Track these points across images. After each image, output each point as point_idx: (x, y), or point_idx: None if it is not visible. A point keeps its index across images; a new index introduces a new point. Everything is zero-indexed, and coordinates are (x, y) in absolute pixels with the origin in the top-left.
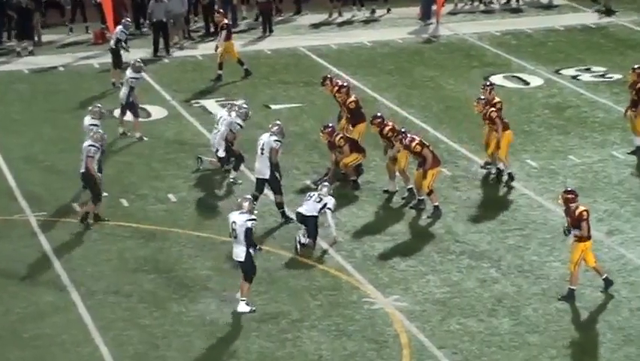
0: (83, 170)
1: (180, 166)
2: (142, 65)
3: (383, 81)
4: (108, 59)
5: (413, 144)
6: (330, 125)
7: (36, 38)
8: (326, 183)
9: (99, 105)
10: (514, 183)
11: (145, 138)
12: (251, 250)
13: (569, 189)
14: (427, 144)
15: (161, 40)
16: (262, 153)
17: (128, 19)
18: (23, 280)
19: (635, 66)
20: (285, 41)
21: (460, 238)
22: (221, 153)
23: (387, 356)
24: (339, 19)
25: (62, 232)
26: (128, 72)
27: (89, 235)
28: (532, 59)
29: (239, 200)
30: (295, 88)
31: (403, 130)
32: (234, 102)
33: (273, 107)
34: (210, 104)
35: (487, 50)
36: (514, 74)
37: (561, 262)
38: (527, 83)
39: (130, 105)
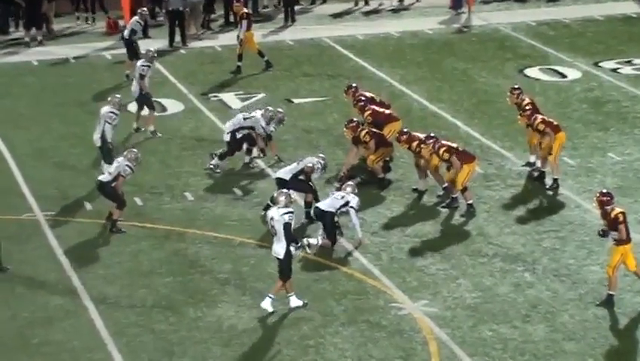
0: (104, 180)
1: (197, 163)
2: (155, 54)
3: (411, 74)
4: (122, 50)
5: (441, 151)
6: (355, 119)
7: (46, 28)
8: (351, 183)
9: (118, 95)
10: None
11: (159, 134)
12: (292, 248)
13: (604, 191)
14: (456, 147)
15: (178, 31)
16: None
17: (145, 9)
18: (32, 282)
19: None
20: (309, 31)
21: (493, 240)
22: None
23: None
24: (366, 8)
25: (73, 232)
26: (140, 61)
27: (101, 236)
28: (570, 51)
29: (275, 195)
30: (319, 81)
31: (432, 135)
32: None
33: (296, 101)
34: (229, 97)
35: (521, 41)
36: (551, 67)
37: (599, 265)
38: (565, 76)
39: (144, 98)
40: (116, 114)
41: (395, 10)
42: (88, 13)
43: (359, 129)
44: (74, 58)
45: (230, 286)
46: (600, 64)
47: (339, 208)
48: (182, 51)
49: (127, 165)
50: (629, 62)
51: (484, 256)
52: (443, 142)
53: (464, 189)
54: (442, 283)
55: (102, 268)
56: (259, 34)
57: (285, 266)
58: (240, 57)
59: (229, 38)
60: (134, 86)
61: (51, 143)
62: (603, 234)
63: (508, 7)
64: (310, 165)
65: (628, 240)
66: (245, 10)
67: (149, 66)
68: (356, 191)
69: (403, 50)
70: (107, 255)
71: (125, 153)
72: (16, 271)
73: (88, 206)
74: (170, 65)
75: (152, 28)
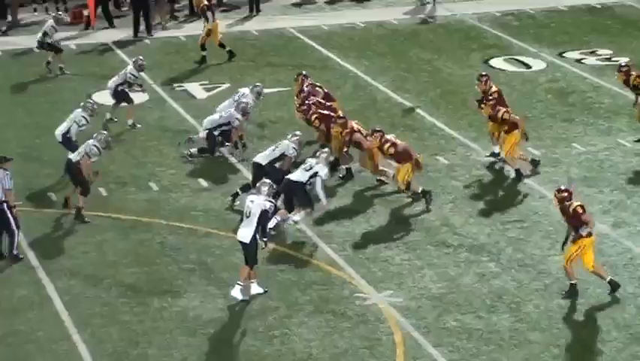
0: (73, 159)
1: (162, 153)
2: (144, 63)
3: (377, 64)
4: (87, 39)
5: (386, 146)
6: (378, 128)
7: (10, 18)
8: (326, 150)
9: (91, 101)
10: (512, 172)
11: (138, 125)
12: (257, 237)
13: (562, 187)
14: (399, 144)
15: (142, 20)
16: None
17: (60, 13)
18: None
19: (622, 63)
20: (274, 22)
21: (458, 231)
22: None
23: (380, 355)
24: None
25: (38, 222)
26: (130, 67)
27: (65, 227)
28: (535, 41)
29: (258, 185)
30: (284, 71)
31: (378, 129)
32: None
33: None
34: (194, 87)
35: (487, 31)
36: (516, 57)
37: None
38: (529, 67)
39: (121, 93)
40: (87, 120)
41: (360, 0)
42: (46, 4)
43: (383, 139)
44: (38, 48)
45: (195, 277)
46: (565, 54)
47: (309, 179)
48: (147, 41)
49: (94, 146)
50: (593, 52)
51: (449, 246)
52: (388, 137)
53: (407, 186)
54: (406, 273)
55: (67, 258)
56: (224, 24)
57: (250, 251)
58: (202, 47)
59: (194, 28)
60: (112, 82)
61: (15, 133)
62: (575, 236)
63: None
64: (290, 155)
65: (589, 234)
66: (205, 2)
67: (136, 77)
68: (329, 160)
69: (368, 41)
70: (72, 245)
71: (95, 134)
72: None
73: (53, 197)
74: (135, 55)
75: (117, 18)
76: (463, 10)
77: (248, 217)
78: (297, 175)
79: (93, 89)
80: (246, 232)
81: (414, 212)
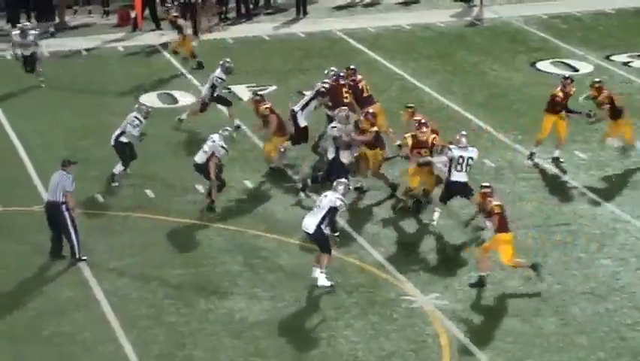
0: (199, 161)
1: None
2: (232, 66)
3: (423, 67)
4: (134, 42)
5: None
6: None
7: (57, 20)
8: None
9: (145, 105)
10: (564, 176)
11: (243, 127)
12: (327, 229)
13: (486, 184)
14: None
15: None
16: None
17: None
18: (43, 274)
19: (596, 80)
20: (320, 24)
21: None
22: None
23: (426, 357)
24: (377, 0)
25: (84, 223)
26: (217, 71)
27: (112, 228)
28: (582, 44)
29: (334, 183)
30: None
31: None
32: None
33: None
34: (241, 90)
35: (533, 34)
36: (563, 60)
37: (611, 259)
38: (576, 70)
39: (216, 99)
40: (140, 121)
41: (406, 3)
42: (90, 6)
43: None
44: (86, 50)
45: (241, 279)
46: (612, 57)
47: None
48: (194, 43)
49: (221, 147)
50: None
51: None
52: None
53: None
54: (453, 276)
55: (113, 260)
56: (271, 26)
57: (320, 239)
58: (192, 55)
59: (242, 31)
60: (205, 89)
61: (61, 134)
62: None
63: (520, 0)
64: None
65: (505, 230)
66: (174, 13)
67: (223, 80)
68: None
69: (414, 43)
70: (119, 247)
71: (220, 131)
72: (27, 262)
73: (99, 198)
74: (182, 58)
75: (164, 21)
76: (509, 13)
77: (317, 208)
78: (307, 224)
79: (139, 91)
80: (310, 222)
81: (461, 215)
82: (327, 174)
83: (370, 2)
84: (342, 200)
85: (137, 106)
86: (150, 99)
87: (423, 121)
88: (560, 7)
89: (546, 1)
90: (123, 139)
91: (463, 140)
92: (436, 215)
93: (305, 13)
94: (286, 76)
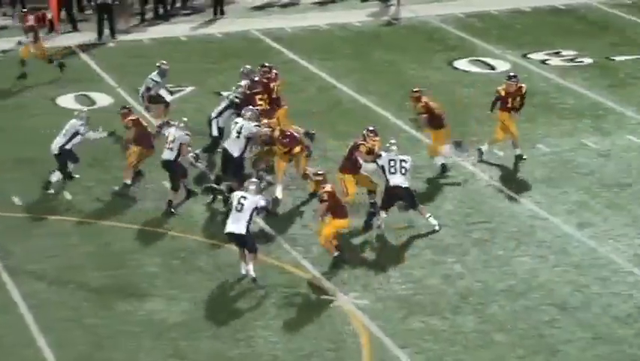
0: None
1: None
2: (167, 68)
3: (341, 66)
4: (51, 43)
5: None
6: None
7: None
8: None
9: (85, 110)
10: (482, 174)
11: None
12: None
13: (319, 172)
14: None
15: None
16: (238, 137)
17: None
18: None
19: (414, 89)
20: (238, 24)
21: (423, 232)
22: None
23: (346, 357)
24: (295, 1)
25: (1, 226)
26: (153, 73)
27: (30, 230)
28: (499, 43)
29: (245, 184)
30: None
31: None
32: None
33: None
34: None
35: (450, 32)
36: (480, 59)
37: (529, 256)
38: (494, 68)
39: (151, 100)
40: (86, 129)
41: (323, 3)
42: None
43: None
44: (1, 51)
45: (160, 280)
46: (529, 55)
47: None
48: (111, 44)
49: (185, 134)
50: (557, 53)
51: (414, 247)
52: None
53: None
54: (372, 275)
55: (31, 263)
56: (188, 27)
57: (249, 240)
58: (49, 60)
59: (159, 32)
60: (141, 91)
61: None
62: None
63: None
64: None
65: (342, 215)
66: (30, 21)
67: (157, 82)
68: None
69: (332, 43)
70: (37, 249)
71: (175, 123)
72: None
73: (16, 200)
74: (99, 59)
75: (81, 22)
76: (426, 12)
77: (239, 211)
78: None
79: (56, 92)
80: (237, 227)
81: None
82: (229, 171)
83: (289, 2)
84: (265, 199)
85: (76, 113)
86: (67, 101)
87: (371, 128)
88: (476, 5)
89: None
90: (68, 147)
91: (394, 148)
92: (382, 219)
93: (222, 13)
94: (204, 76)
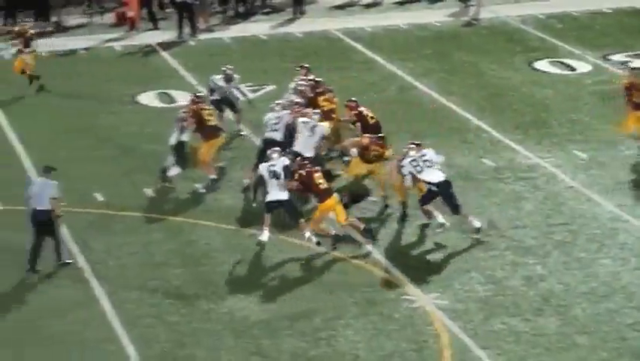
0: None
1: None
2: (231, 73)
3: (421, 66)
4: (131, 41)
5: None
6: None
7: (54, 19)
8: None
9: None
10: (563, 176)
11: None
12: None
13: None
14: None
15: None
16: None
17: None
18: (43, 273)
19: (352, 98)
20: (317, 23)
21: (504, 233)
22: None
23: (427, 357)
24: (378, 1)
25: (84, 223)
26: (217, 76)
27: (112, 227)
28: (579, 44)
29: (269, 152)
30: (327, 73)
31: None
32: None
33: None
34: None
35: (530, 33)
36: (560, 60)
37: (611, 259)
38: (574, 69)
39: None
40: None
41: (402, 3)
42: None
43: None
44: (84, 49)
45: (241, 278)
46: (609, 57)
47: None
48: (192, 42)
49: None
50: (638, 54)
51: (495, 249)
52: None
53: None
54: (453, 275)
55: (114, 259)
56: (268, 26)
57: (292, 206)
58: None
59: (238, 30)
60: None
61: (60, 134)
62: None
63: (518, 0)
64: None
65: (325, 198)
66: (30, 31)
67: (220, 85)
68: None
69: (411, 43)
70: (119, 246)
71: None
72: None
73: (98, 197)
74: (179, 57)
75: (161, 20)
76: (506, 12)
77: (277, 178)
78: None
79: (137, 90)
80: (283, 193)
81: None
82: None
83: (371, 2)
84: (288, 157)
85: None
86: (148, 98)
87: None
88: (556, 6)
89: (543, 0)
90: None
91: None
92: (440, 217)
93: (302, 12)
94: (284, 76)
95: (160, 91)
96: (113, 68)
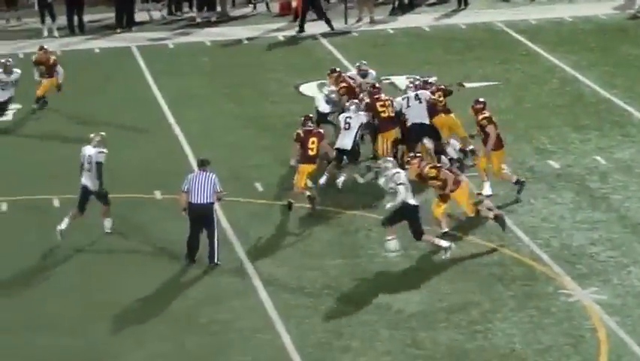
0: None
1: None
2: (336, 99)
3: (584, 59)
4: (294, 31)
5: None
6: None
7: (219, 9)
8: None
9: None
10: None
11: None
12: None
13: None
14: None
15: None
16: (347, 129)
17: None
18: (201, 263)
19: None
20: (481, 15)
21: None
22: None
23: (584, 352)
24: None
25: (244, 212)
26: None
27: (270, 216)
28: None
29: (347, 104)
30: (491, 65)
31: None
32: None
33: (467, 85)
34: (401, 80)
35: None
36: None
37: None
38: None
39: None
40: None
41: None
42: None
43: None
44: (247, 39)
45: (398, 270)
46: None
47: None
48: (355, 33)
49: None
50: None
51: None
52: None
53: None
54: (612, 270)
55: (272, 249)
56: (431, 17)
57: (354, 152)
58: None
59: (403, 21)
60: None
61: (223, 123)
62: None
63: None
64: None
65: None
66: (53, 57)
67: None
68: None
69: (576, 35)
70: (277, 236)
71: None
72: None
73: (259, 187)
74: (342, 47)
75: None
76: None
77: (347, 129)
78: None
79: (300, 80)
80: (347, 142)
81: (619, 209)
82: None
83: None
84: (366, 115)
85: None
86: (310, 88)
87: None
88: None
89: None
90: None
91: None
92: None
93: (466, 3)
94: (447, 67)
95: (322, 81)
96: (277, 57)
